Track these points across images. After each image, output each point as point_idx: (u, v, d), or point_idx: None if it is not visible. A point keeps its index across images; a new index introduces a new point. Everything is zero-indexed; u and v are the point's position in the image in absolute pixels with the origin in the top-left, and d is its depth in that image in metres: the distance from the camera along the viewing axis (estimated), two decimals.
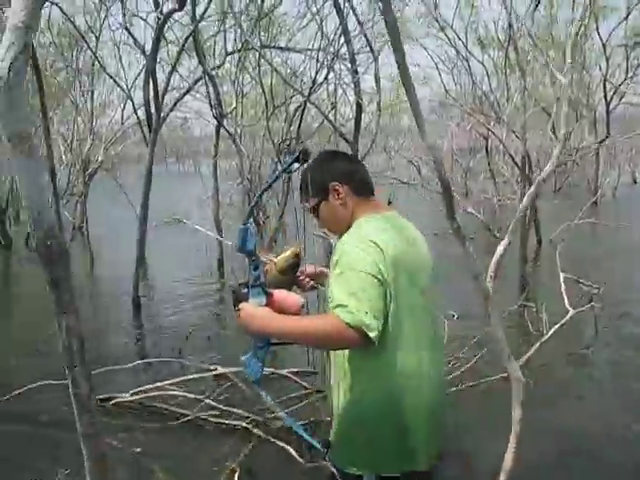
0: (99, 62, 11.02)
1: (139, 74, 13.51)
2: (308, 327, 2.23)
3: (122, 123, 16.11)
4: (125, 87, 11.57)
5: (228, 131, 8.81)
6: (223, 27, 11.06)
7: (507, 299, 7.81)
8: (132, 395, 5.35)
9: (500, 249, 4.06)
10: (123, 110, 15.82)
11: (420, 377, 2.34)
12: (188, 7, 8.36)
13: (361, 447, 2.37)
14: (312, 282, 2.84)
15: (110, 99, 17.61)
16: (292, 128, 9.06)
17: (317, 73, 7.73)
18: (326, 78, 7.76)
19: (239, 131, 14.10)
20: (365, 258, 2.21)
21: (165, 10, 7.77)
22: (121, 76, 13.18)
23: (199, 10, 9.09)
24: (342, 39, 7.33)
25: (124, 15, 10.88)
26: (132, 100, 10.59)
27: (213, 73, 10.03)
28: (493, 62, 15.43)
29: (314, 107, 8.36)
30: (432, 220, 14.63)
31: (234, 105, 11.58)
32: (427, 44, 14.60)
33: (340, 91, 9.28)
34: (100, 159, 15.60)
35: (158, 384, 5.41)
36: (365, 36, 7.55)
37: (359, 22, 7.34)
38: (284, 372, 5.69)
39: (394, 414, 2.31)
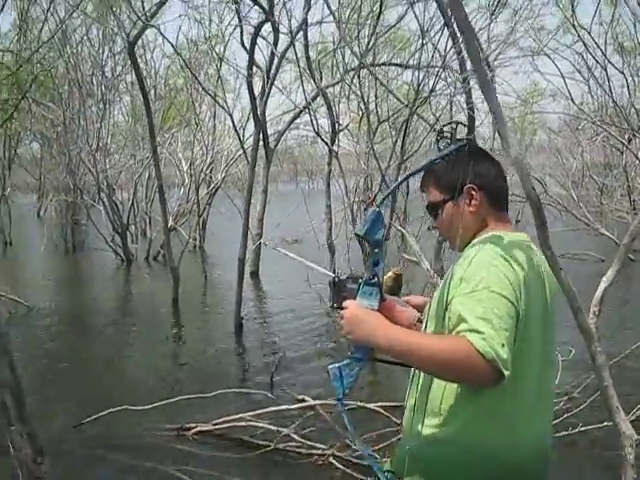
0: (202, 87, 11.07)
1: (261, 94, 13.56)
2: (431, 345, 1.84)
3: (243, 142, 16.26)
4: (226, 107, 11.58)
5: (330, 148, 8.56)
6: (342, 44, 10.86)
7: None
8: (214, 425, 5.14)
9: (602, 285, 3.48)
10: (244, 130, 16.02)
11: (527, 432, 1.97)
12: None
13: None
14: (419, 314, 2.39)
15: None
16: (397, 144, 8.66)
17: (420, 85, 7.28)
18: (433, 89, 7.32)
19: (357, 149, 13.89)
20: (503, 279, 1.85)
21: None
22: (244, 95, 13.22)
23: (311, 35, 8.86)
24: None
25: (241, 35, 10.92)
26: (232, 120, 10.59)
27: (327, 91, 9.81)
28: (629, 68, 14.33)
29: (421, 120, 7.97)
30: (561, 241, 13.78)
31: (347, 122, 11.37)
32: (560, 53, 13.75)
33: (454, 105, 8.85)
34: (220, 178, 15.81)
35: (242, 415, 5.19)
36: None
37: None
38: (372, 406, 5.29)
39: (482, 473, 1.93)
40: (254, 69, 9.82)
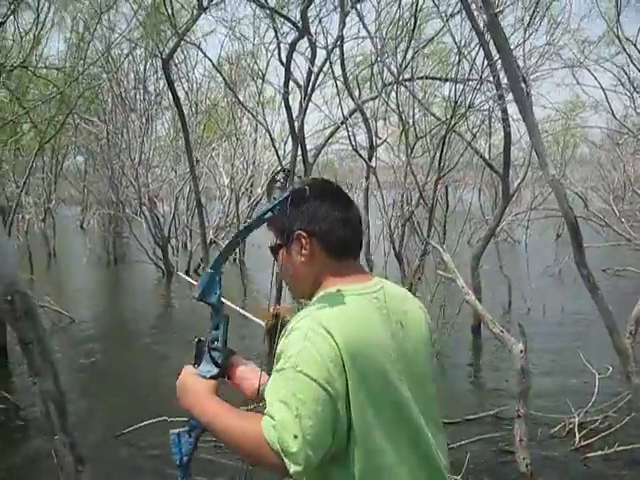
0: (242, 105, 11.21)
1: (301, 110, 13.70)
2: (230, 426, 1.69)
3: (283, 157, 16.38)
4: (265, 124, 11.70)
5: (368, 164, 8.61)
6: (378, 60, 10.92)
7: None
8: None
9: (639, 306, 3.46)
10: (285, 144, 16.17)
11: None
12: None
13: None
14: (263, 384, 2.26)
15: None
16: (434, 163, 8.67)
17: (457, 101, 7.31)
18: (470, 105, 7.34)
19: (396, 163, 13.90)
20: (314, 356, 1.63)
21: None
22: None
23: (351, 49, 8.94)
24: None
25: (279, 52, 11.03)
26: (271, 137, 10.70)
27: (364, 106, 9.85)
28: None
29: (459, 136, 7.98)
30: (604, 256, 13.61)
31: (385, 136, 11.39)
32: (602, 65, 13.54)
33: (493, 120, 8.82)
34: (260, 192, 15.97)
35: None
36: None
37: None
38: None
39: None
40: (292, 85, 9.94)
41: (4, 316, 1.28)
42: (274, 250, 1.96)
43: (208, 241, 11.56)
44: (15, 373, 8.01)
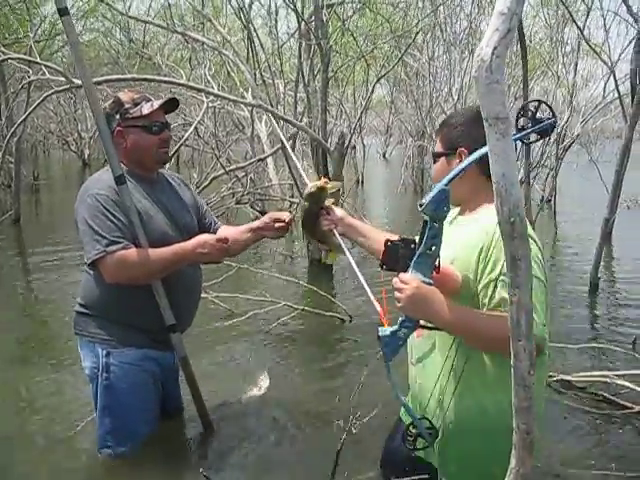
0: (582, 35, 10.69)
1: (627, 46, 12.87)
2: (487, 327, 1.98)
3: (603, 97, 15.56)
4: (608, 60, 11.03)
5: None
6: None
7: None
8: (575, 377, 5.15)
9: None
10: (606, 83, 15.34)
11: None
12: None
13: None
14: (333, 227, 2.53)
15: (592, 72, 17.43)
16: None
17: None
18: None
19: None
20: (538, 261, 2.00)
21: None
22: (605, 49, 12.52)
23: None
24: None
25: None
26: (614, 74, 10.08)
27: None
28: None
29: None
30: None
31: None
32: None
33: None
34: (576, 133, 15.34)
35: (606, 372, 5.18)
36: None
37: None
38: None
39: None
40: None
41: (502, 235, 1.54)
42: (436, 156, 2.34)
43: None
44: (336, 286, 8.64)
